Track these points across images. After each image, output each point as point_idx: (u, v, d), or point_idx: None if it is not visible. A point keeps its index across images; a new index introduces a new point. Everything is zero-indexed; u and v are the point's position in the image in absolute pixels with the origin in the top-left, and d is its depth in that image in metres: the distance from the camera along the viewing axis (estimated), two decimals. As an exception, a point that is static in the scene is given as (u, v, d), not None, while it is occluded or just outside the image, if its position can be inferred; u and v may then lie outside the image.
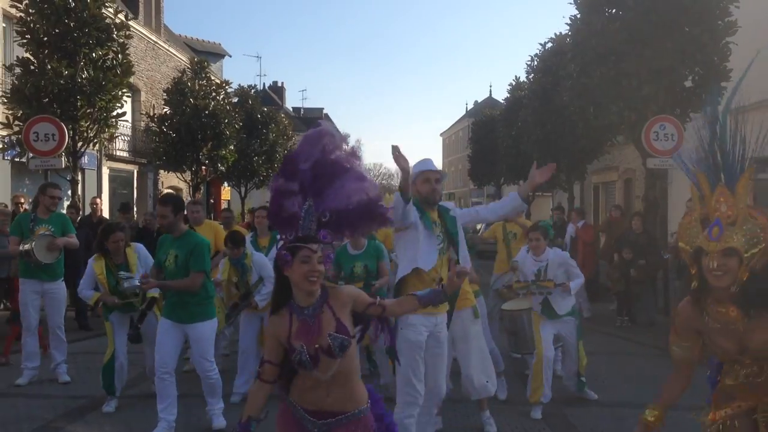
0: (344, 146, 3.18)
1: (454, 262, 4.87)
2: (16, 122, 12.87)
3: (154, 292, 6.62)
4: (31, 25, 12.92)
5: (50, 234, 7.43)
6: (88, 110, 13.18)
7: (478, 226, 19.70)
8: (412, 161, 4.62)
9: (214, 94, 21.79)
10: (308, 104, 65.12)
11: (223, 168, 22.27)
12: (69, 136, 12.39)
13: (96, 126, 13.53)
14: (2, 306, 10.71)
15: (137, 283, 6.07)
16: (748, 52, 12.76)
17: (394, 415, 4.60)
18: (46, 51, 12.92)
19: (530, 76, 22.44)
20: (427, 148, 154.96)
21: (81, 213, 13.19)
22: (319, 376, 3.02)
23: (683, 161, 3.11)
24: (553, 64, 19.52)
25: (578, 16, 13.92)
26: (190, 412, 6.36)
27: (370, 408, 3.17)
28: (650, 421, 3.32)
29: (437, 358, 4.96)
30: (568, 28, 14.63)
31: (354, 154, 3.18)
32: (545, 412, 6.47)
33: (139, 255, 6.79)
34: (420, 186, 4.98)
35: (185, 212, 6.63)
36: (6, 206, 11.71)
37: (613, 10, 13.06)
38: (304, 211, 3.07)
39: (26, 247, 7.30)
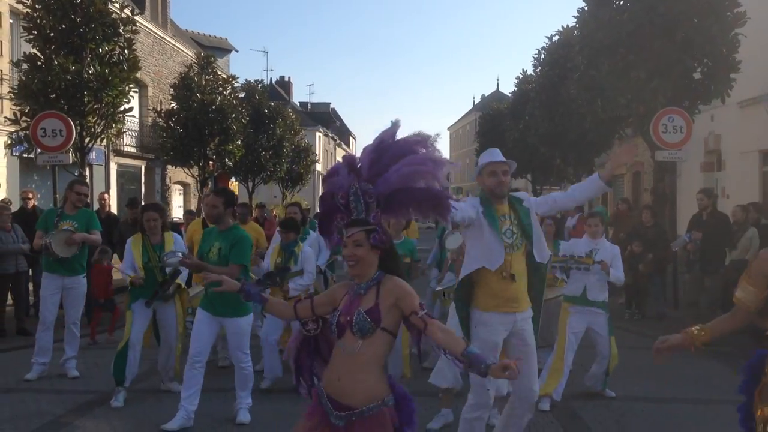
0: (419, 139, 3.24)
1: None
2: (24, 118, 12.90)
3: (179, 280, 6.76)
4: (38, 20, 12.93)
5: (70, 230, 7.46)
6: (95, 106, 13.20)
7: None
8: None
9: (221, 89, 21.80)
10: (315, 99, 65.17)
11: (230, 163, 22.30)
12: (76, 132, 12.40)
13: (103, 121, 13.55)
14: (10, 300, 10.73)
15: (179, 256, 6.16)
16: (757, 43, 12.77)
17: (463, 412, 4.69)
18: (53, 47, 12.94)
19: (537, 69, 22.36)
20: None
21: (89, 208, 13.22)
22: (341, 349, 3.13)
23: None
24: (560, 57, 19.46)
25: (585, 8, 13.85)
26: (219, 404, 6.39)
27: (391, 404, 3.13)
28: (694, 333, 3.32)
29: (524, 358, 4.41)
30: (575, 20, 14.56)
31: (425, 140, 3.23)
32: (552, 404, 6.45)
33: (175, 241, 6.92)
34: (486, 179, 4.69)
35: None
36: (9, 202, 11.77)
37: (621, 2, 13.02)
38: (352, 195, 3.15)
39: (46, 240, 7.36)
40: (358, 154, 3.37)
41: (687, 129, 11.96)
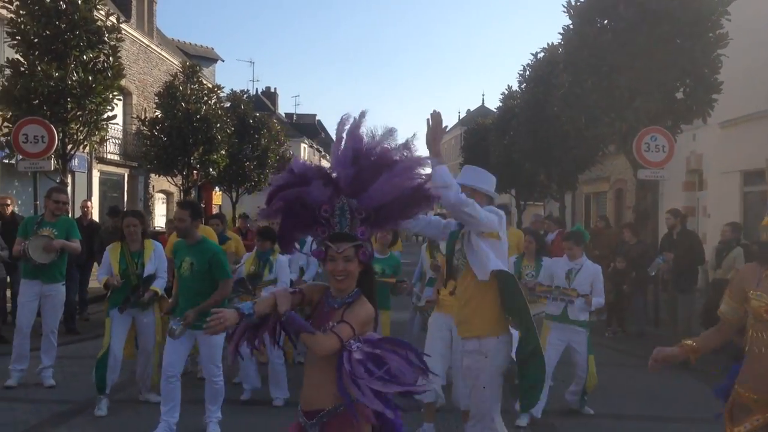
0: (390, 140, 3.18)
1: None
2: (6, 124, 12.80)
3: (158, 287, 6.67)
4: (22, 26, 12.84)
5: (48, 236, 7.39)
6: (78, 113, 13.10)
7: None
8: None
9: (206, 98, 21.72)
10: (301, 110, 65.16)
11: (214, 172, 22.20)
12: (58, 139, 12.32)
13: (86, 129, 13.45)
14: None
15: (181, 325, 5.71)
16: (738, 64, 12.94)
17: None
18: (37, 53, 12.84)
19: (522, 86, 22.49)
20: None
21: (71, 215, 13.11)
22: (310, 358, 3.12)
23: None
24: (545, 74, 19.57)
25: (571, 26, 13.96)
26: (191, 418, 6.29)
27: (353, 404, 3.05)
28: (691, 345, 3.40)
29: (471, 392, 4.79)
30: (560, 38, 14.68)
31: (406, 146, 3.19)
32: (533, 421, 6.44)
33: (155, 249, 6.84)
34: None
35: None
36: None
37: (605, 21, 13.14)
38: (338, 209, 3.11)
39: (23, 247, 7.29)
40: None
41: (669, 148, 12.08)
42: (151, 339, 6.75)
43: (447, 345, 5.91)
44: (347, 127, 3.20)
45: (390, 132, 3.17)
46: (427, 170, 3.24)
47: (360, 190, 3.11)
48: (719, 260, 9.73)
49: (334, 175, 3.17)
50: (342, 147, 3.19)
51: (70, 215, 12.63)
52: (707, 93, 12.55)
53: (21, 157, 11.82)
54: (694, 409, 7.10)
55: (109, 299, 6.75)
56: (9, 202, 11.41)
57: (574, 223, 20.24)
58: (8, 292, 10.70)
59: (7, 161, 14.46)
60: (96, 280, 7.94)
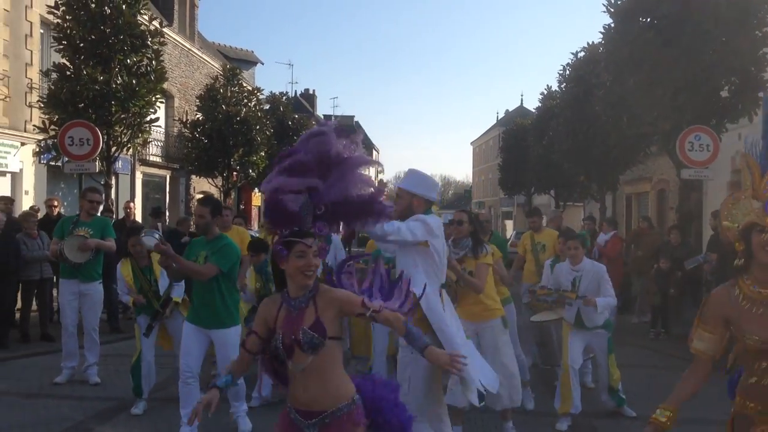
0: (345, 141, 3.28)
1: None
2: (52, 127, 13.08)
3: (177, 296, 6.70)
4: (68, 31, 13.14)
5: (83, 235, 7.53)
6: (122, 115, 13.35)
7: (508, 234, 19.58)
8: (441, 170, 4.47)
9: (246, 100, 21.98)
10: (339, 112, 65.37)
11: (253, 174, 22.41)
12: (103, 141, 12.56)
13: (130, 131, 13.70)
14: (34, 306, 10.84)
15: (156, 239, 5.81)
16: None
17: None
18: (82, 57, 13.14)
19: (562, 86, 22.27)
20: (456, 157, 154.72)
21: (114, 217, 13.36)
22: (292, 368, 3.08)
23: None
24: (585, 73, 19.36)
25: (612, 24, 13.78)
26: (216, 416, 6.35)
27: (358, 402, 3.16)
28: (662, 422, 3.17)
29: None
30: (601, 37, 14.50)
31: (354, 141, 3.28)
32: (574, 423, 6.38)
33: None
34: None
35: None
36: (37, 209, 11.92)
37: (648, 19, 12.92)
38: (301, 205, 3.11)
39: (59, 246, 7.43)
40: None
41: (714, 147, 11.83)
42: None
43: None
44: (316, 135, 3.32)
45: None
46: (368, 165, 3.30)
47: (314, 188, 3.15)
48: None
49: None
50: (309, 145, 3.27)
51: (114, 216, 12.91)
52: (753, 91, 12.27)
53: (67, 159, 12.08)
54: (715, 410, 6.94)
55: (135, 308, 6.88)
56: (56, 203, 11.69)
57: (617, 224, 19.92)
58: (54, 292, 10.95)
59: (53, 163, 14.79)
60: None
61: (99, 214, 8.17)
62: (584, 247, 6.75)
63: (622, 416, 6.74)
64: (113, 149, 13.61)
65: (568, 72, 21.61)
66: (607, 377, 6.67)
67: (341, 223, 3.31)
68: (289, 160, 3.19)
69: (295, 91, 53.97)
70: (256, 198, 32.58)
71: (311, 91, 58.00)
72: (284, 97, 30.17)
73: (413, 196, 4.61)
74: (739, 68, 12.17)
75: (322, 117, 57.52)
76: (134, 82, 13.34)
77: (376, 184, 3.32)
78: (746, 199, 2.97)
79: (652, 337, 11.37)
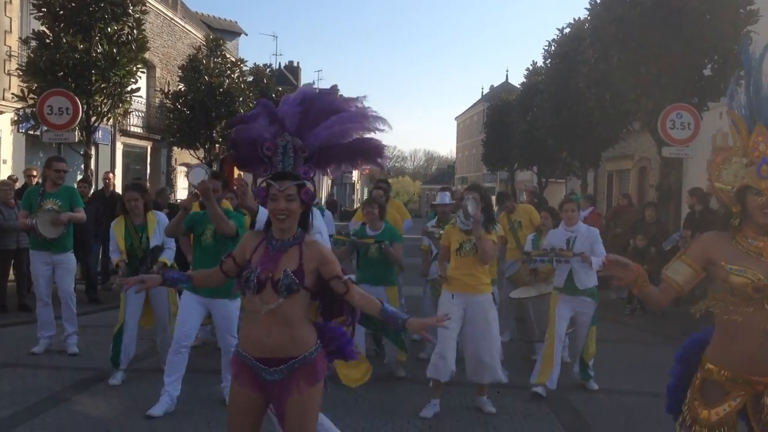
0: (348, 98, 3.30)
1: None
2: (31, 95, 12.92)
3: (167, 258, 6.67)
4: (48, -2, 12.90)
5: (54, 209, 7.46)
6: (103, 85, 13.19)
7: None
8: (425, 145, 4.45)
9: (229, 72, 21.75)
10: (323, 85, 64.83)
11: (236, 146, 22.28)
12: (83, 111, 12.41)
13: (110, 101, 13.54)
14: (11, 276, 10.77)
15: (204, 176, 5.66)
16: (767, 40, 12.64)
17: None
18: (62, 25, 12.92)
19: (547, 62, 22.22)
20: (441, 133, 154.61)
21: (94, 187, 13.26)
22: (258, 305, 3.09)
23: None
24: (570, 50, 19.33)
25: (598, 1, 13.75)
26: (206, 386, 6.40)
27: (320, 348, 3.23)
28: (640, 280, 3.16)
29: None
30: (587, 13, 14.47)
31: (357, 100, 3.28)
32: (550, 397, 6.48)
33: (158, 221, 6.81)
34: None
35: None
36: (15, 178, 11.80)
37: (634, -4, 12.88)
38: (281, 148, 3.13)
39: (32, 221, 7.37)
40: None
41: (695, 126, 11.90)
42: (165, 309, 6.79)
43: (458, 325, 5.92)
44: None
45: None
46: (377, 123, 3.23)
47: (305, 130, 3.15)
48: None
49: (281, 116, 3.21)
50: (293, 94, 3.28)
51: (93, 187, 12.82)
52: (735, 70, 12.30)
53: (46, 128, 11.94)
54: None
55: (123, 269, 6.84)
56: (35, 173, 11.56)
57: (597, 202, 20.03)
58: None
59: (32, 133, 14.62)
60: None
61: (76, 185, 8.10)
62: (579, 209, 6.98)
63: (600, 391, 6.84)
64: (93, 119, 13.45)
65: (553, 48, 21.56)
66: (582, 346, 6.76)
67: (333, 166, 3.32)
68: (265, 106, 3.28)
69: (279, 63, 53.47)
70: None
71: (296, 64, 57.47)
72: (268, 69, 29.86)
73: None
74: (722, 47, 12.20)
75: (307, 90, 57.17)
76: (115, 51, 13.16)
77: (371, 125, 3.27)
78: (737, 160, 2.97)
79: (628, 313, 11.52)
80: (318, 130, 3.13)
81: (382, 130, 3.27)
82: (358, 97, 3.28)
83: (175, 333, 5.88)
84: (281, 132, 3.14)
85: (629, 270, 3.10)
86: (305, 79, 60.59)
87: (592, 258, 6.43)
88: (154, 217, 6.84)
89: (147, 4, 15.01)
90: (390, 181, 9.13)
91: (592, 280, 6.64)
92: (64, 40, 12.59)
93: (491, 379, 5.94)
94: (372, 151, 3.26)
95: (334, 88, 3.29)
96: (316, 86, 3.30)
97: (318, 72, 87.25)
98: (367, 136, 3.24)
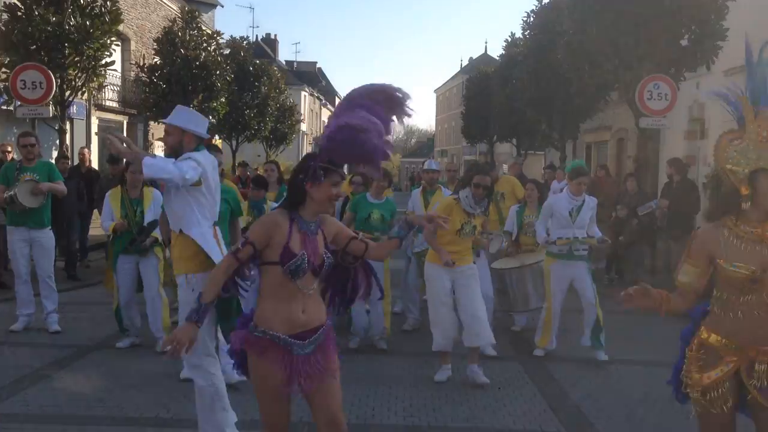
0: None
1: None
2: (3, 69, 12.70)
3: (158, 234, 6.64)
4: (18, -31, 12.64)
5: (33, 179, 7.39)
6: (76, 58, 13.00)
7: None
8: (408, 120, 4.42)
9: (205, 45, 21.45)
10: (301, 58, 64.39)
11: (214, 120, 22.07)
12: (57, 85, 12.22)
13: (84, 75, 13.35)
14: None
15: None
16: (744, 10, 12.72)
17: None
18: (34, -3, 12.67)
19: (526, 33, 22.17)
20: (420, 105, 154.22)
21: (70, 163, 13.10)
22: (300, 288, 3.14)
23: (723, 90, 3.15)
24: (549, 21, 19.27)
25: (576, -29, 13.69)
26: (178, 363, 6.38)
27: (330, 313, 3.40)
28: (668, 301, 3.21)
29: None
30: (565, -17, 14.41)
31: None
32: (526, 366, 6.62)
33: (154, 198, 6.85)
34: None
35: None
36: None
37: (611, -34, 12.86)
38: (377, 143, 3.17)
39: (10, 193, 7.28)
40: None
41: (672, 96, 11.97)
42: (154, 282, 6.80)
43: (451, 295, 6.05)
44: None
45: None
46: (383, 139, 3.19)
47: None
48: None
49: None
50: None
51: (69, 162, 12.66)
52: (712, 39, 12.37)
53: (19, 103, 11.75)
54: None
55: (114, 247, 6.88)
56: (9, 148, 11.38)
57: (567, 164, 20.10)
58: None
59: (5, 107, 14.37)
60: (99, 228, 7.98)
61: (54, 160, 8.01)
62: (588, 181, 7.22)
63: (571, 358, 6.96)
64: (67, 93, 13.27)
65: (532, 19, 21.50)
66: (595, 309, 6.83)
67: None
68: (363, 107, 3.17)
69: (256, 35, 52.99)
70: (217, 145, 32.14)
71: (273, 36, 56.99)
72: (245, 42, 29.56)
73: (184, 133, 4.53)
74: (699, 17, 12.24)
75: (284, 63, 56.66)
76: (88, 23, 12.95)
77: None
78: (747, 141, 3.01)
79: (606, 283, 11.62)
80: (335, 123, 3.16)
81: (410, 113, 3.30)
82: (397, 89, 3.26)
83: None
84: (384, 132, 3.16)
85: (652, 297, 3.21)
86: (283, 51, 60.14)
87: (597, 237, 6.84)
88: (150, 192, 6.92)
89: (120, -24, 14.69)
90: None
91: (584, 250, 6.90)
92: (37, 13, 12.37)
93: (487, 340, 6.06)
94: (399, 107, 3.25)
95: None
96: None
97: (296, 44, 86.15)
98: (386, 96, 3.22)
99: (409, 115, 3.28)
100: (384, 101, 3.19)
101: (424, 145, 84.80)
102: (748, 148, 2.99)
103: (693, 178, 13.72)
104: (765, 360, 3.01)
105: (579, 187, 6.84)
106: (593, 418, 5.35)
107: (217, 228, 4.68)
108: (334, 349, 3.28)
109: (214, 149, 6.06)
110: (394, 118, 3.24)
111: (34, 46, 12.46)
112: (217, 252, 4.48)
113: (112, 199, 6.84)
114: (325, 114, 60.28)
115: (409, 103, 3.25)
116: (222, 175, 10.69)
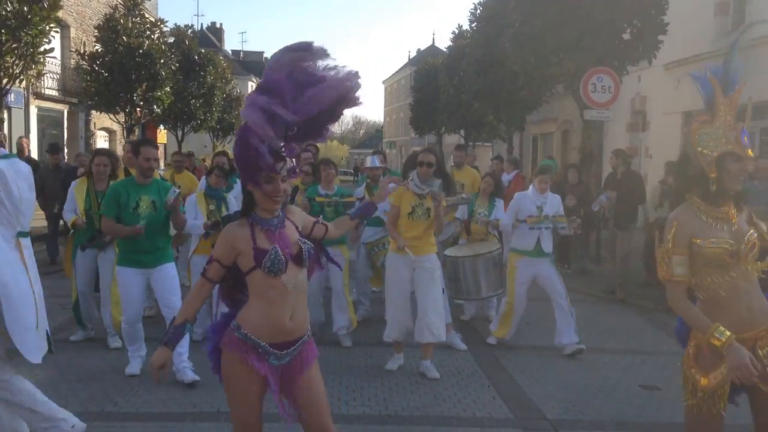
0: (320, 60, 3.00)
1: None
2: (-65, 56, 12.22)
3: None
4: (-50, -49, 12.16)
5: None
6: (13, 45, 12.59)
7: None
8: (353, 109, 4.25)
9: (148, 32, 21.06)
10: (248, 47, 63.60)
11: (158, 110, 21.69)
12: (-7, 72, 11.84)
13: (22, 62, 12.95)
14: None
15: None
16: (684, 5, 13.07)
17: None
18: (-33, -20, 12.23)
19: (473, 25, 22.36)
20: (369, 96, 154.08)
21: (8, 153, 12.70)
22: (286, 285, 3.05)
23: (700, 74, 3.26)
24: (496, 14, 19.47)
25: (522, -36, 13.85)
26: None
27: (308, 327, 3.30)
28: (728, 335, 3.02)
29: None
30: (511, -24, 14.55)
31: (333, 68, 3.01)
32: (476, 354, 6.69)
33: None
34: None
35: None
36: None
37: (556, -40, 13.05)
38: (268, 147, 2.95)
39: None
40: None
41: (615, 89, 12.23)
42: (108, 276, 6.65)
43: (409, 286, 6.05)
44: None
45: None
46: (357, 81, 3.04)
47: (298, 108, 2.91)
48: (662, 200, 10.00)
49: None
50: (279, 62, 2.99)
51: (6, 152, 12.26)
52: (653, 34, 12.68)
53: (-47, 91, 11.33)
54: (630, 341, 7.43)
55: (73, 240, 6.75)
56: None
57: (522, 165, 20.41)
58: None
59: (-62, 96, 13.85)
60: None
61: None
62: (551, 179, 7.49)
63: (519, 346, 7.09)
64: (4, 81, 12.85)
65: (479, 11, 21.68)
66: (566, 299, 6.90)
67: (316, 136, 3.12)
68: (265, 79, 2.97)
69: (201, 24, 52.27)
70: (162, 135, 31.58)
71: (218, 25, 56.31)
72: (189, 31, 29.07)
73: None
74: (641, 11, 12.52)
75: (230, 53, 55.95)
76: (26, 9, 12.55)
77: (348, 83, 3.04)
78: (718, 124, 3.12)
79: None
80: (308, 106, 2.89)
81: (359, 87, 3.07)
82: (328, 58, 3.03)
83: (124, 316, 5.80)
84: (283, 126, 2.88)
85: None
86: (229, 40, 59.23)
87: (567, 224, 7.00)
88: None
89: (59, -40, 14.26)
90: (318, 145, 9.08)
91: (550, 245, 6.99)
92: (-30, -2, 11.93)
93: (435, 338, 5.97)
94: (349, 95, 3.02)
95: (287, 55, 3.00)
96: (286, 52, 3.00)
97: (242, 34, 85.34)
98: (337, 81, 2.97)
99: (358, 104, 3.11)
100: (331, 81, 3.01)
101: (373, 136, 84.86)
102: (718, 131, 3.12)
103: (636, 169, 14.06)
104: (765, 344, 3.09)
105: (541, 185, 7.05)
106: (541, 405, 5.45)
107: (22, 240, 4.31)
108: (313, 358, 3.22)
109: (149, 143, 5.98)
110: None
111: (-31, 32, 12.04)
112: (10, 263, 4.05)
113: (77, 191, 6.71)
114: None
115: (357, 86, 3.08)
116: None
